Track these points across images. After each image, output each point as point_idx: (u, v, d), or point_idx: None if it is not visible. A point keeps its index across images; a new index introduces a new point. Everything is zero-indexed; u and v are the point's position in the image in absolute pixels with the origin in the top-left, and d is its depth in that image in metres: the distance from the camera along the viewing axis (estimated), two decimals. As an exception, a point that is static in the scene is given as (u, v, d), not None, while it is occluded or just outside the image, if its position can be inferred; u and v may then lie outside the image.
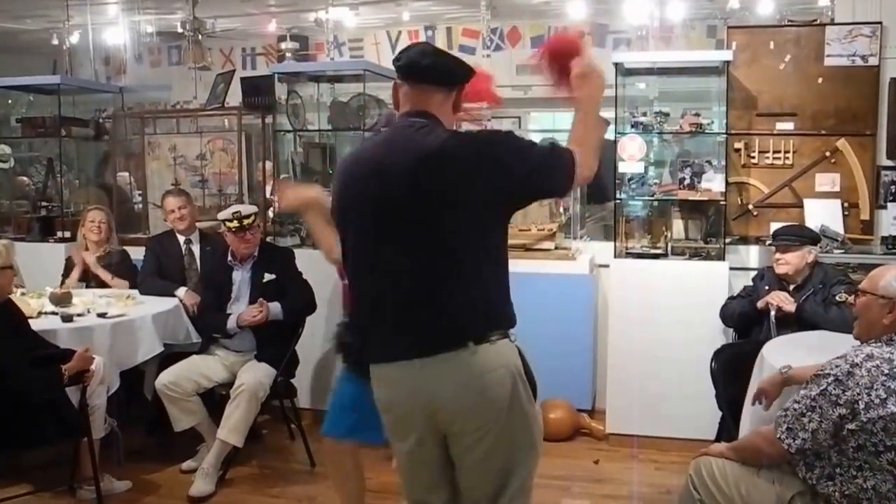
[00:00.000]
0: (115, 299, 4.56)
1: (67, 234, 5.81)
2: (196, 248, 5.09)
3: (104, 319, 4.22)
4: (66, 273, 5.16)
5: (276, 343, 4.45)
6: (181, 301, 4.70)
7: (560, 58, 2.44)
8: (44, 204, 6.11)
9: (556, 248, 5.21)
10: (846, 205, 4.89)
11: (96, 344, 4.04)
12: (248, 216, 4.41)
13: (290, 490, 4.26)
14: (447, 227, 2.22)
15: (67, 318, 4.16)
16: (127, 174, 6.63)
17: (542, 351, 4.78)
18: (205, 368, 4.41)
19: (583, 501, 4.17)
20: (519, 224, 5.25)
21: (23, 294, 4.49)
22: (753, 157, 5.03)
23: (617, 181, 4.95)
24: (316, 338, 4.93)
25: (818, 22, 5.07)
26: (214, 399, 4.42)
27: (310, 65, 6.28)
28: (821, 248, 4.38)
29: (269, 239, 5.29)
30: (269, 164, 5.93)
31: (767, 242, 4.48)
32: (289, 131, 5.64)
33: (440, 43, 6.75)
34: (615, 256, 4.93)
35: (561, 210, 5.38)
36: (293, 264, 4.64)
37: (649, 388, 4.75)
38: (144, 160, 6.29)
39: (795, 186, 4.99)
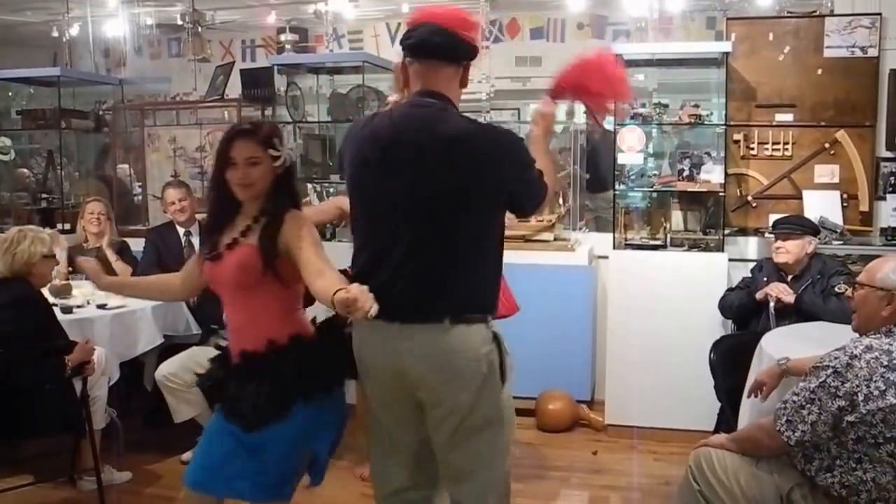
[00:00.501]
0: (114, 290, 4.55)
1: (67, 226, 5.80)
2: (196, 240, 5.08)
3: (104, 311, 4.23)
4: (71, 266, 5.16)
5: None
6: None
7: (598, 80, 2.62)
8: (44, 196, 6.14)
9: (556, 239, 5.21)
10: (845, 196, 4.89)
11: (96, 335, 4.05)
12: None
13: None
14: (450, 209, 2.33)
15: (67, 310, 4.17)
16: (127, 166, 6.63)
17: (541, 342, 4.87)
18: (205, 359, 4.36)
19: (581, 492, 4.18)
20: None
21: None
22: (752, 149, 5.03)
23: (616, 172, 4.95)
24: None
25: (818, 13, 5.06)
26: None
27: (309, 56, 6.27)
28: (820, 239, 4.38)
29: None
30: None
31: (767, 232, 4.49)
32: (288, 123, 5.64)
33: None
34: (614, 248, 4.94)
35: (560, 202, 5.38)
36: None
37: (648, 379, 4.75)
38: (144, 152, 6.30)
39: (794, 178, 4.99)
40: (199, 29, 6.39)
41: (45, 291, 4.39)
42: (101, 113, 6.51)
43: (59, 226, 5.91)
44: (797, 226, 4.23)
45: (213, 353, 4.59)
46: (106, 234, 5.08)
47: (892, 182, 4.86)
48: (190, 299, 4.65)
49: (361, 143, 2.45)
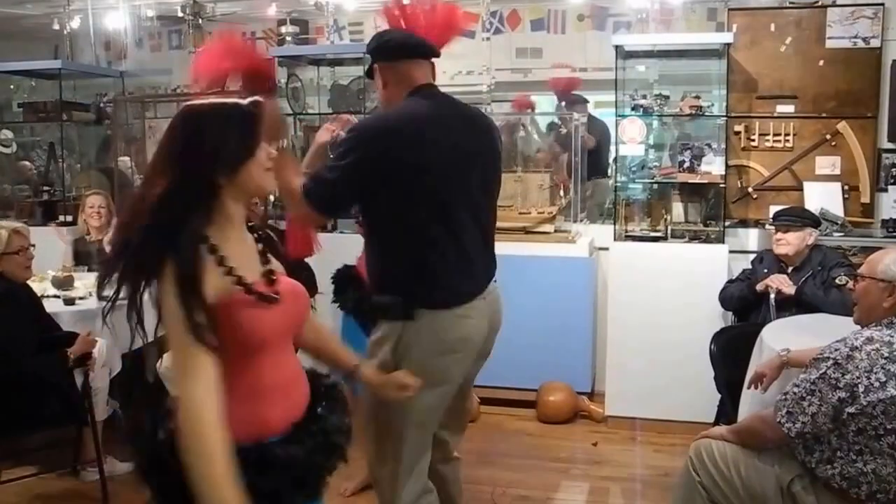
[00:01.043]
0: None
1: (69, 219, 5.83)
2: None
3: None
4: (76, 259, 5.18)
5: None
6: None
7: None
8: (45, 188, 6.16)
9: (556, 231, 5.20)
10: (846, 188, 4.88)
11: (98, 327, 4.05)
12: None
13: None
14: (494, 188, 2.75)
15: (69, 302, 4.18)
16: (128, 158, 6.62)
17: (541, 333, 4.88)
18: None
19: (581, 483, 4.18)
20: (519, 207, 5.25)
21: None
22: (753, 140, 5.03)
23: (617, 164, 4.95)
24: (320, 320, 4.92)
25: (819, 4, 5.04)
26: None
27: (310, 48, 6.26)
28: (821, 231, 4.38)
29: (269, 222, 5.29)
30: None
31: (768, 223, 4.49)
32: (289, 115, 5.63)
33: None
34: (615, 239, 4.94)
35: (561, 193, 5.38)
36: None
37: (648, 370, 4.76)
38: (145, 144, 6.28)
39: (795, 169, 4.99)
40: (200, 21, 6.39)
41: (48, 284, 4.43)
42: (102, 105, 6.52)
43: (61, 218, 5.95)
44: (798, 217, 4.23)
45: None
46: (108, 227, 5.08)
47: (894, 174, 4.85)
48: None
49: (428, 128, 2.51)
